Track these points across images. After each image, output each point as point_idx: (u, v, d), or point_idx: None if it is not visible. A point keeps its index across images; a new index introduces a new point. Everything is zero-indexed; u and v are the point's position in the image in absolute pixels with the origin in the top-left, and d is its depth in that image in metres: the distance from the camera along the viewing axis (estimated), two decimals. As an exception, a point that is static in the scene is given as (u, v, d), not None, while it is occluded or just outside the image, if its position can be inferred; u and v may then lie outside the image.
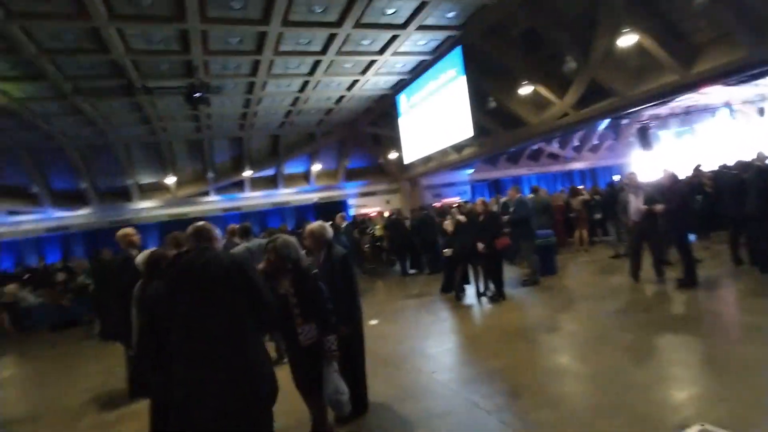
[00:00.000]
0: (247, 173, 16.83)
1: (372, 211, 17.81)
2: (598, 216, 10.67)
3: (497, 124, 12.53)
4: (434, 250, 10.63)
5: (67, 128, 12.84)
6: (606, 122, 18.10)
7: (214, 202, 17.47)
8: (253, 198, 17.89)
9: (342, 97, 13.51)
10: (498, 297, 7.12)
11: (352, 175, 19.10)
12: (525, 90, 10.05)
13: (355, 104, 14.59)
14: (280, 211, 18.40)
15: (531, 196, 10.53)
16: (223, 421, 2.03)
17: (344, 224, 8.50)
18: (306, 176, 18.35)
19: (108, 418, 4.40)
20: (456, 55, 10.66)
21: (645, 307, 5.85)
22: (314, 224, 3.66)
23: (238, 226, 5.48)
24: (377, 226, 12.26)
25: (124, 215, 16.33)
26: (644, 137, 18.13)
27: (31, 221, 15.64)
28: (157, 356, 2.20)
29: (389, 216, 13.50)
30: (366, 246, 10.54)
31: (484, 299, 7.26)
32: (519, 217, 7.79)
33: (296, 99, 13.03)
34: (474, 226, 7.32)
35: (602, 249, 10.50)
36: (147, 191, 16.53)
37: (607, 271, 8.29)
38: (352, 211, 18.57)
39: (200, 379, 2.06)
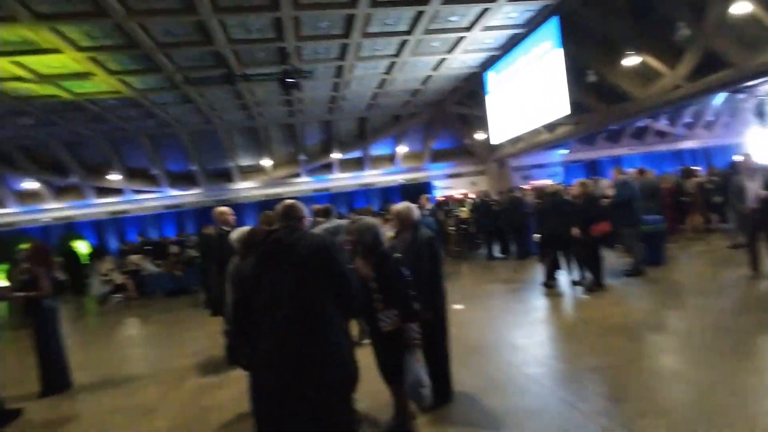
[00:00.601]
0: (336, 155, 17.35)
1: (458, 193, 17.44)
2: (718, 199, 9.42)
3: (597, 100, 11.49)
4: (523, 234, 10.15)
5: (179, 116, 14.16)
6: (722, 96, 15.84)
7: (305, 183, 18.31)
8: (341, 179, 18.44)
9: (428, 77, 13.25)
10: (595, 287, 6.58)
11: (437, 157, 18.84)
12: (630, 61, 9.07)
13: (442, 84, 14.25)
14: (366, 192, 18.77)
15: (634, 176, 9.51)
16: (302, 403, 1.99)
17: (429, 206, 8.37)
18: (392, 158, 18.46)
19: (209, 382, 4.79)
20: (552, 26, 9.86)
21: (767, 305, 5.12)
22: (400, 205, 3.56)
23: (321, 206, 5.57)
24: (463, 209, 11.99)
25: (226, 195, 17.78)
26: (762, 114, 15.55)
27: (152, 199, 17.67)
28: (248, 332, 2.20)
29: (475, 198, 13.13)
30: (451, 228, 10.34)
31: (579, 289, 6.77)
32: (621, 200, 7.08)
33: (383, 81, 13.05)
34: (559, 210, 6.81)
35: (719, 238, 9.27)
36: (246, 173, 17.79)
37: (723, 263, 7.32)
38: (437, 193, 18.38)
39: (280, 360, 2.04)
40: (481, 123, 15.06)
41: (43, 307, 4.86)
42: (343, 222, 5.03)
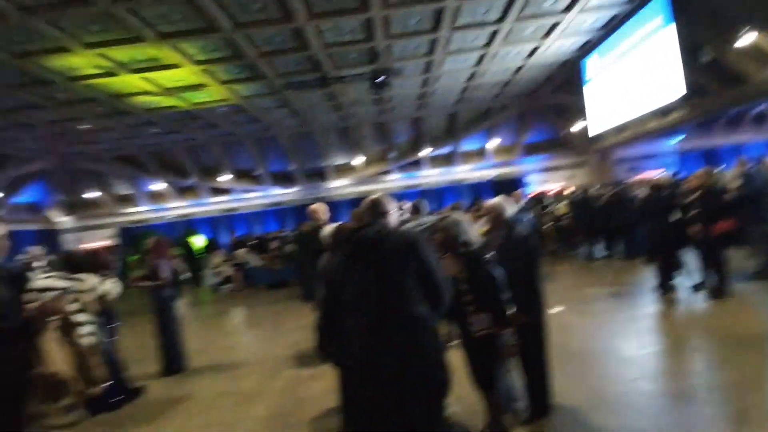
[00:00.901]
0: (425, 152, 17.34)
1: (553, 188, 16.43)
2: None
3: (714, 82, 10.07)
4: (630, 232, 9.24)
5: (279, 119, 15.14)
6: None
7: (395, 180, 18.58)
8: (431, 176, 18.40)
9: (521, 67, 12.64)
10: (718, 293, 5.76)
11: (531, 150, 17.97)
12: (746, 39, 7.89)
13: (535, 73, 13.51)
14: (456, 188, 18.49)
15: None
16: (391, 408, 1.91)
17: (524, 202, 7.94)
18: (482, 153, 17.97)
19: (302, 374, 4.98)
20: (660, 1, 8.83)
21: None
22: (494, 200, 3.35)
23: (411, 202, 5.51)
24: (560, 204, 11.23)
25: (322, 192, 18.66)
26: None
27: (256, 198, 19.18)
28: (334, 331, 2.16)
29: (574, 193, 12.24)
30: (547, 226, 9.68)
31: (699, 295, 5.97)
32: (747, 195, 6.12)
33: (473, 74, 12.72)
34: (673, 205, 6.11)
35: None
36: (340, 171, 18.53)
37: None
38: (531, 188, 17.51)
39: (368, 363, 1.98)
40: (579, 112, 14.02)
41: (162, 295, 5.44)
42: (430, 219, 4.93)
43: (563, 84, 14.40)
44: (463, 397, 3.17)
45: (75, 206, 19.37)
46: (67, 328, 2.50)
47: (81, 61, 9.16)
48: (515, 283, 2.87)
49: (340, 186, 18.71)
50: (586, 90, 12.71)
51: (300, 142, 17.31)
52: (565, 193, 13.31)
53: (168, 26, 8.13)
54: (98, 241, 17.97)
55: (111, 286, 4.49)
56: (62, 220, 19.35)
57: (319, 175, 18.56)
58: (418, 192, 18.21)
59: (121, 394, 4.57)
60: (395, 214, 2.37)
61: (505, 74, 13.28)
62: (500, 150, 17.88)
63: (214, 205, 19.04)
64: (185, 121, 14.06)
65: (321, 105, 14.14)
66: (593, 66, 12.14)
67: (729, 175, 7.79)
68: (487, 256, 2.73)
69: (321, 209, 5.08)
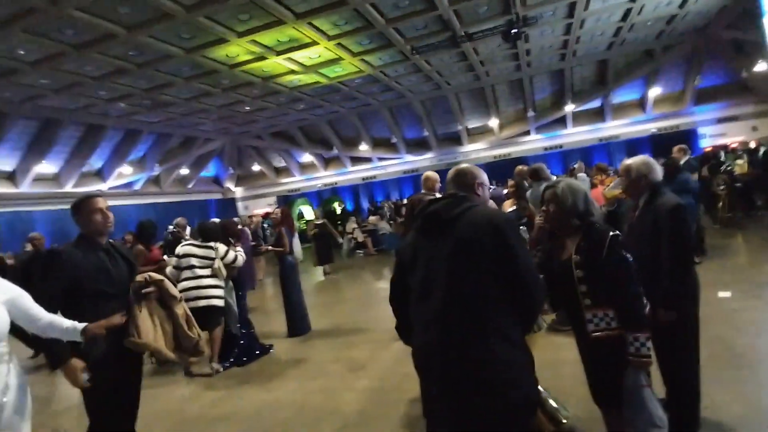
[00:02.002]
0: (569, 108, 15.74)
1: (732, 141, 13.45)
2: None
3: None
4: None
5: (412, 86, 15.24)
6: None
7: (534, 141, 17.38)
8: (576, 134, 16.73)
9: (691, -5, 10.42)
10: None
11: (704, 97, 14.96)
12: None
13: (706, 3, 11.03)
14: (606, 146, 16.49)
15: None
16: (454, 420, 1.58)
17: (685, 159, 6.51)
18: (641, 104, 15.61)
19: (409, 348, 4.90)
20: None
21: None
22: (634, 159, 2.64)
23: (528, 167, 4.97)
24: (739, 162, 9.10)
25: (456, 158, 18.44)
26: None
27: (393, 165, 19.87)
28: (403, 315, 1.86)
29: (757, 147, 9.84)
30: (720, 188, 7.79)
31: None
32: None
33: (627, 11, 10.93)
34: None
35: None
36: (474, 135, 18.02)
37: None
38: (704, 143, 14.68)
39: (426, 366, 1.70)
40: (761, 49, 11.08)
41: (285, 262, 5.92)
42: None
43: (743, 15, 11.49)
44: (583, 399, 2.42)
45: (243, 178, 22.60)
46: (165, 298, 2.63)
47: (236, 50, 10.42)
48: (657, 270, 2.32)
49: (475, 150, 18.22)
50: (766, 23, 9.90)
51: (433, 108, 17.23)
52: (747, 147, 10.80)
53: (302, 5, 8.69)
54: (262, 208, 20.80)
55: (237, 255, 4.97)
56: (235, 190, 22.80)
57: (454, 139, 18.32)
58: (560, 153, 16.79)
59: (253, 351, 5.16)
60: (486, 190, 1.99)
61: (669, 8, 11.12)
62: (664, 99, 15.26)
63: (355, 173, 20.32)
64: (326, 95, 15.07)
65: (452, 67, 13.77)
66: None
67: None
68: (614, 234, 2.01)
69: (432, 177, 4.87)
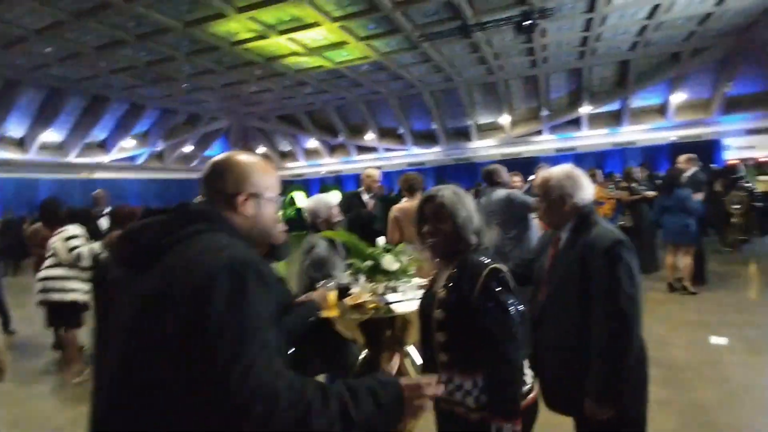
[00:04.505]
0: (585, 109, 14.97)
1: (762, 155, 12.58)
2: None
3: None
4: None
5: (421, 76, 14.63)
6: None
7: (546, 142, 16.69)
8: (591, 137, 15.97)
9: (728, -7, 9.62)
10: None
11: (733, 106, 14.00)
12: None
13: (748, 1, 10.17)
14: (621, 152, 15.71)
15: None
16: None
17: (692, 171, 5.78)
18: (662, 109, 14.77)
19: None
20: None
21: None
22: (555, 171, 1.86)
23: (484, 168, 4.17)
24: (761, 178, 8.34)
25: (464, 154, 17.85)
26: None
27: (400, 156, 19.33)
28: None
29: None
30: (735, 207, 6.94)
31: None
32: None
33: (655, 8, 10.14)
34: None
35: None
36: (484, 131, 17.36)
37: None
38: (728, 155, 13.85)
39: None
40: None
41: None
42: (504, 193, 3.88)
43: None
44: None
45: (249, 160, 22.28)
46: None
47: (237, 26, 9.99)
48: (580, 337, 1.62)
49: (484, 146, 17.57)
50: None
51: (443, 100, 16.60)
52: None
53: (302, -19, 8.19)
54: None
55: (80, 251, 4.14)
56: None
57: (463, 134, 17.66)
58: (573, 156, 16.06)
59: None
60: (265, 205, 1.42)
61: (702, 5, 10.31)
62: (688, 105, 14.39)
63: (360, 162, 19.82)
64: (332, 80, 14.57)
65: (464, 58, 13.13)
66: None
67: None
68: (496, 266, 1.43)
69: (372, 175, 4.42)
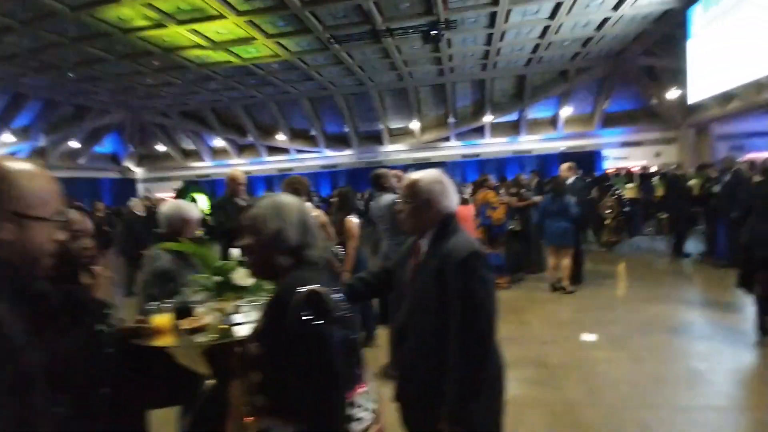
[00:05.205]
0: (488, 118, 15.95)
1: (633, 165, 14.30)
2: None
3: None
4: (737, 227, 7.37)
5: (334, 78, 14.55)
6: None
7: (453, 148, 17.46)
8: (493, 144, 17.02)
9: (606, 20, 10.81)
10: None
11: (611, 121, 15.87)
12: None
13: (624, 29, 11.55)
14: (519, 160, 16.96)
15: None
16: None
17: (573, 179, 6.31)
18: (553, 121, 16.21)
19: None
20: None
21: None
22: (424, 175, 1.72)
23: (373, 173, 4.18)
24: (629, 185, 9.50)
25: (376, 157, 18.05)
26: None
27: (312, 159, 19.04)
28: None
29: (663, 172, 10.39)
30: (608, 211, 7.87)
31: None
32: None
33: (545, 29, 11.12)
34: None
35: None
36: (395, 135, 17.73)
37: None
38: (607, 165, 15.59)
39: None
40: (675, 77, 11.92)
41: None
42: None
43: (659, 42, 12.25)
44: None
45: (145, 158, 20.56)
46: None
47: (130, 12, 9.16)
48: (438, 353, 1.52)
49: (395, 151, 17.94)
50: (690, 47, 10.58)
51: (355, 103, 16.68)
52: (644, 172, 11.42)
53: (202, -30, 7.71)
54: (166, 192, 18.99)
55: None
56: (136, 170, 20.64)
57: (375, 138, 17.90)
58: (477, 162, 17.04)
59: None
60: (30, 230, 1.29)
61: (585, 30, 11.49)
62: (575, 119, 15.99)
63: (271, 164, 19.22)
64: (241, 77, 13.94)
65: (375, 63, 13.29)
66: (700, 18, 10.04)
67: None
68: (312, 287, 1.18)
69: (236, 177, 4.22)
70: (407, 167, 16.84)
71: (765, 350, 3.82)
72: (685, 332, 4.41)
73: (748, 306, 4.33)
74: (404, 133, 17.51)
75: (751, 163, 6.79)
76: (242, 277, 1.85)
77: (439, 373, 1.49)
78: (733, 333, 4.21)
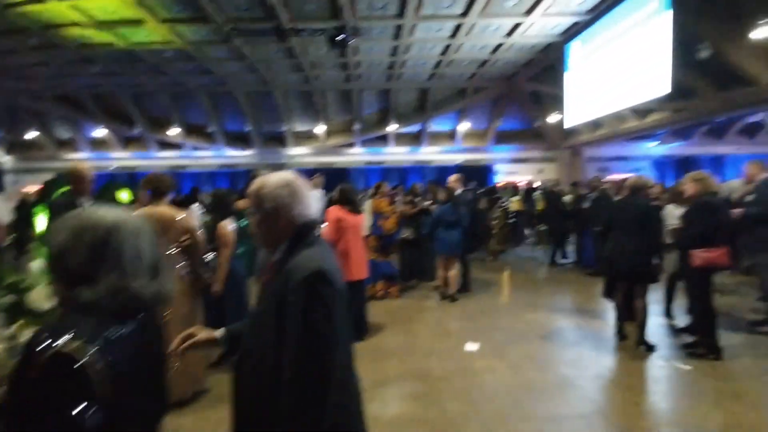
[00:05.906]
0: (392, 127, 16.34)
1: (520, 180, 15.69)
2: None
3: (707, 83, 9.39)
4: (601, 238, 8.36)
5: (235, 73, 13.80)
6: None
7: (358, 154, 17.59)
8: (396, 153, 17.48)
9: (499, 45, 11.69)
10: (707, 353, 4.02)
11: (503, 138, 17.22)
12: (761, 33, 7.10)
13: (514, 55, 12.60)
14: (421, 169, 17.63)
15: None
16: None
17: (461, 190, 6.58)
18: (452, 135, 17.12)
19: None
20: (660, -17, 8.01)
21: None
22: (270, 179, 1.49)
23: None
24: (513, 199, 10.41)
25: (279, 159, 17.48)
26: None
27: (208, 157, 17.86)
28: None
29: (545, 188, 11.48)
30: (494, 221, 8.55)
31: (678, 351, 4.26)
32: (761, 212, 4.32)
33: (447, 47, 11.70)
34: (648, 217, 4.25)
35: None
36: (300, 138, 17.35)
37: None
38: (497, 178, 16.85)
39: None
40: (557, 103, 13.26)
41: None
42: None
43: (544, 71, 13.56)
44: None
45: (15, 146, 17.69)
46: None
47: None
48: (276, 373, 1.29)
49: (299, 154, 17.56)
50: (567, 78, 11.88)
51: (258, 102, 16.01)
52: (528, 187, 12.57)
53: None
54: (38, 185, 16.44)
55: None
56: (4, 159, 17.66)
57: (279, 140, 17.36)
58: (381, 169, 17.35)
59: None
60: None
61: (482, 52, 12.32)
62: (471, 135, 17.06)
63: (161, 160, 17.62)
64: (127, 62, 12.58)
65: (281, 62, 12.89)
66: (577, 52, 11.31)
67: (734, 184, 6.29)
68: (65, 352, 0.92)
69: (82, 173, 3.73)
70: (312, 171, 16.65)
71: (623, 354, 4.28)
72: (557, 339, 4.80)
73: (610, 312, 4.83)
74: (309, 137, 17.21)
75: (614, 184, 7.78)
76: (41, 297, 1.46)
77: (273, 409, 1.25)
78: (598, 339, 4.68)
